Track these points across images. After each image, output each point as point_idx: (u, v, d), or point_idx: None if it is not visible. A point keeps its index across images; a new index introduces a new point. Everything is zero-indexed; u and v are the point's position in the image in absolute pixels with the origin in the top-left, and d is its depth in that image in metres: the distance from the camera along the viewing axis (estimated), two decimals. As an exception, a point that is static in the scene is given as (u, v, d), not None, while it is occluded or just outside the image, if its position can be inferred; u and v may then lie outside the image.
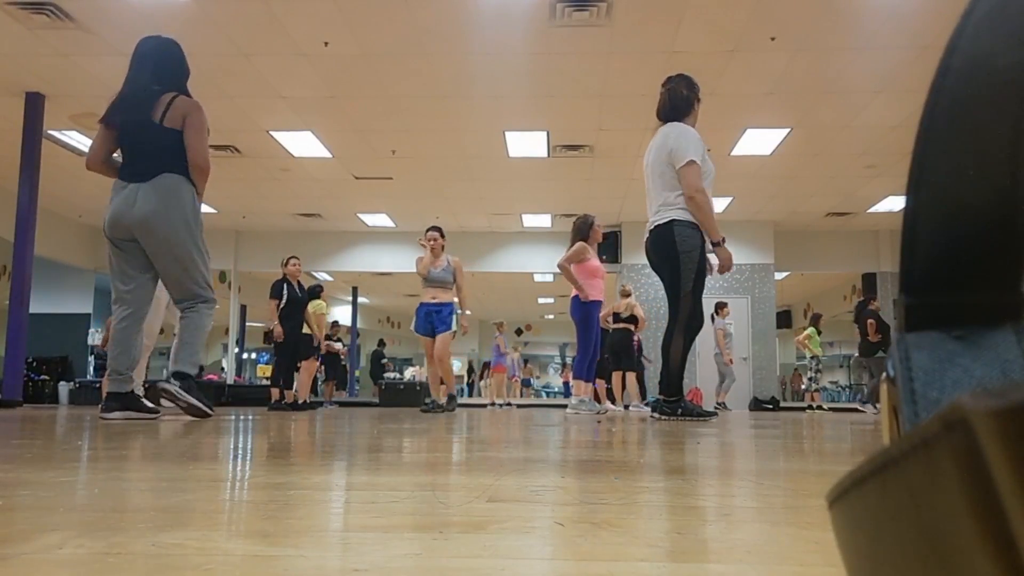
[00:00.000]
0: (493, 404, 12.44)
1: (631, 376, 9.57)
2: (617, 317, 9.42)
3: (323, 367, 12.02)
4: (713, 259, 4.37)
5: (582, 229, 6.42)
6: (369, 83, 7.53)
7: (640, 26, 6.41)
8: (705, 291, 4.34)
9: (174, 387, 3.67)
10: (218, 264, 13.96)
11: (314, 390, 10.80)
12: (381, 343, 18.29)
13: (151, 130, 3.67)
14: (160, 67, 3.82)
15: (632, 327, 9.44)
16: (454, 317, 6.73)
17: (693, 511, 0.84)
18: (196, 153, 3.71)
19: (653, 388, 12.32)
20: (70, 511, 0.80)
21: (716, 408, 9.66)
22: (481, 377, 21.71)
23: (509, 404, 12.49)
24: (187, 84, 3.92)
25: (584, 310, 6.36)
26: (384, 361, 17.72)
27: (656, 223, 4.33)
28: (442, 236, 6.82)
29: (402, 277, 16.83)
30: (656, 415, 4.40)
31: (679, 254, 4.18)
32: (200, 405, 3.71)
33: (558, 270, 6.51)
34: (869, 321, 9.74)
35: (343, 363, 14.25)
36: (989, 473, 0.15)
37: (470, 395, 22.14)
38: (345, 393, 15.69)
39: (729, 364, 10.76)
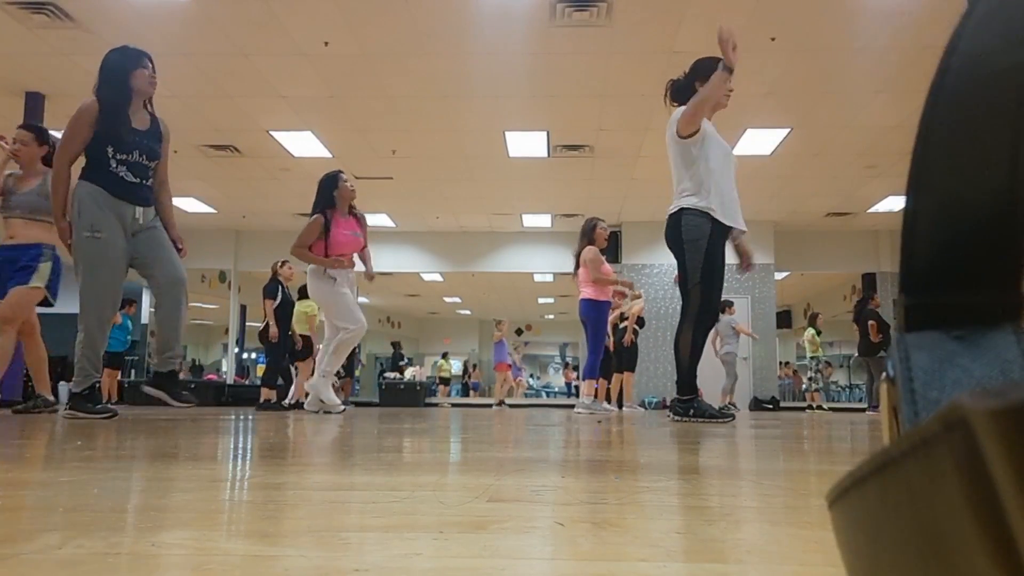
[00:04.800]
0: (501, 403, 12.44)
1: (629, 376, 9.63)
2: (622, 317, 9.49)
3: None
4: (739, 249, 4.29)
5: (587, 232, 6.52)
6: (369, 83, 7.53)
7: (640, 26, 6.41)
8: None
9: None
10: (218, 264, 13.95)
11: None
12: (397, 345, 18.54)
13: None
14: None
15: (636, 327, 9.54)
16: (43, 266, 4.48)
17: (693, 511, 0.84)
18: None
19: (644, 389, 12.32)
20: (70, 511, 0.80)
21: (724, 408, 9.68)
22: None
23: (502, 403, 12.45)
24: (99, 89, 3.88)
25: (597, 311, 6.40)
26: (402, 364, 17.93)
27: (669, 212, 4.21)
28: (39, 142, 4.60)
29: (402, 277, 16.82)
30: (670, 416, 4.27)
31: (684, 243, 4.06)
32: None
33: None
34: (870, 323, 9.74)
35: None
36: (989, 473, 0.15)
37: (467, 395, 22.13)
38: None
39: (738, 337, 10.68)
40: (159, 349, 3.92)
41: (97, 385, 3.87)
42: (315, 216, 5.35)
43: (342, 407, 5.58)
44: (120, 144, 3.79)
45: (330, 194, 5.42)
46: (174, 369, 3.90)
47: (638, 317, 9.60)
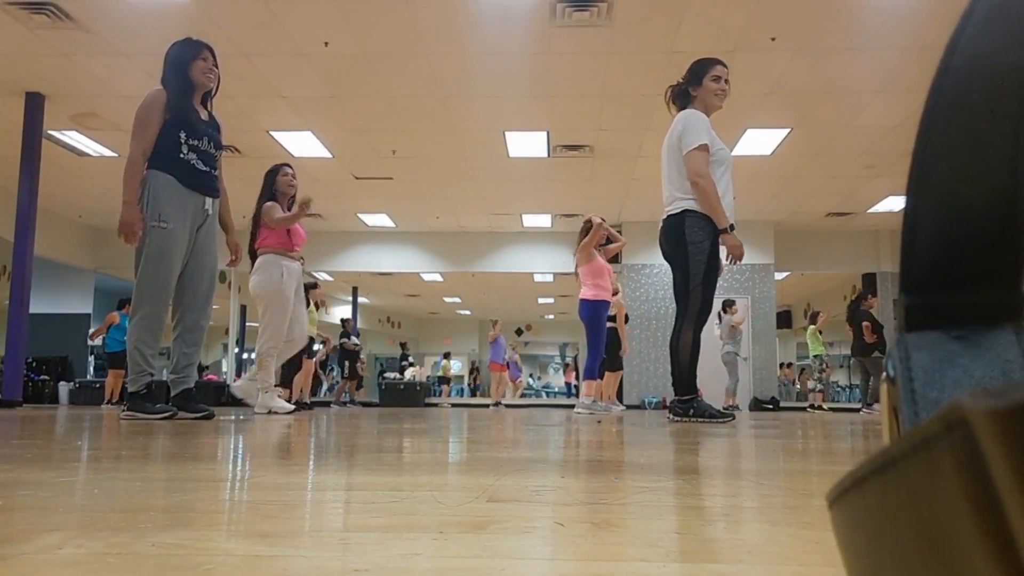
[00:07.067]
0: (497, 404, 12.44)
1: (613, 375, 9.61)
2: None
3: (341, 365, 11.90)
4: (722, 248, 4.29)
5: (586, 232, 6.54)
6: (369, 83, 7.53)
7: (640, 26, 6.41)
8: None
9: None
10: (218, 264, 13.97)
11: (313, 391, 10.78)
12: (404, 345, 18.63)
13: None
14: None
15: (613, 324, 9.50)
16: None
17: (693, 511, 0.84)
18: None
19: (644, 389, 12.32)
20: (70, 511, 0.80)
21: (726, 410, 9.66)
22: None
23: (498, 404, 12.43)
24: (165, 77, 3.92)
25: (594, 311, 6.41)
26: (404, 364, 18.07)
27: (669, 213, 4.21)
28: None
29: (403, 277, 16.82)
30: (670, 416, 4.27)
31: (688, 244, 4.07)
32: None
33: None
34: (864, 324, 9.74)
35: (361, 361, 12.82)
36: (989, 473, 0.15)
37: (472, 395, 22.15)
38: (364, 392, 14.95)
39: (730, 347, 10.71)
40: (174, 369, 3.95)
41: (153, 384, 3.77)
42: (268, 203, 5.25)
43: (259, 408, 5.34)
44: (191, 129, 3.82)
45: (271, 185, 5.37)
46: (188, 388, 3.91)
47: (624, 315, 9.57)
